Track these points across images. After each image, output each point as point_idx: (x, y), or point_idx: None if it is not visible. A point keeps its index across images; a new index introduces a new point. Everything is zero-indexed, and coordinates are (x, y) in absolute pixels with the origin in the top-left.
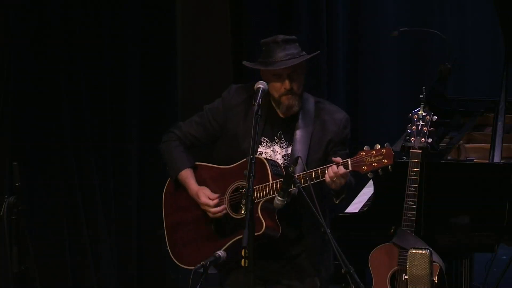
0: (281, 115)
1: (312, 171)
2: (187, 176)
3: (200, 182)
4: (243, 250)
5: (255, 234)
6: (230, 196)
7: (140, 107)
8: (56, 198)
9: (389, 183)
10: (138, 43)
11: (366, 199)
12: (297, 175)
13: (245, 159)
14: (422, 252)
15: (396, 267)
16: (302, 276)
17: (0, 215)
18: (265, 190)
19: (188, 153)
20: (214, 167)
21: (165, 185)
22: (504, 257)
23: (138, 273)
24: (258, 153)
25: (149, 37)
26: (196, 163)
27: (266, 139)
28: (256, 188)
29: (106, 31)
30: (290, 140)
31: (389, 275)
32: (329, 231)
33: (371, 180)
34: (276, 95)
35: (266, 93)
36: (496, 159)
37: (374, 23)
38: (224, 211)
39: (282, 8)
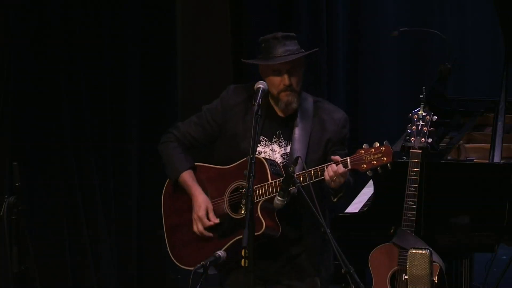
0: (280, 113)
1: (311, 170)
2: (188, 179)
3: (199, 182)
4: (243, 250)
5: (255, 234)
6: (229, 196)
7: (140, 107)
8: (56, 198)
9: (389, 183)
10: (138, 43)
11: (366, 199)
12: (297, 174)
13: (244, 159)
14: (422, 252)
15: (396, 267)
16: (302, 276)
17: (0, 215)
18: (265, 190)
19: (187, 154)
20: (213, 167)
21: (164, 186)
22: (504, 257)
23: (138, 273)
24: (257, 152)
25: (149, 37)
26: (195, 163)
27: (265, 138)
28: (255, 188)
29: (106, 31)
30: (288, 139)
31: (389, 275)
32: (329, 231)
33: (371, 180)
34: (275, 91)
35: (265, 93)
36: (496, 159)
37: (374, 23)
38: (207, 235)
39: (282, 8)
